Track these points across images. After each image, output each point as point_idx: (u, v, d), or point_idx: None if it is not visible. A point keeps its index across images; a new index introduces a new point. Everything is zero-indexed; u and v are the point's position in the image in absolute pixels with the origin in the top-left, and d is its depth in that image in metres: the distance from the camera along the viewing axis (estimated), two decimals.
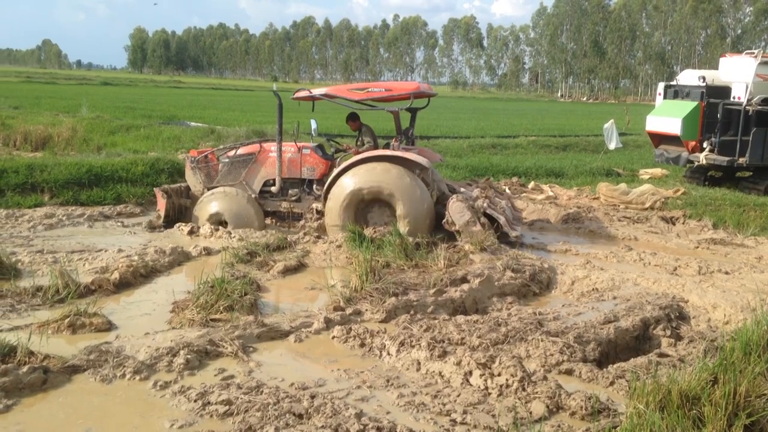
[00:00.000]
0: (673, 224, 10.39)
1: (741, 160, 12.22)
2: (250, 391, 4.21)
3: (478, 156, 17.12)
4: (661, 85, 14.31)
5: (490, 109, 47.25)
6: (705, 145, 12.72)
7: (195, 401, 4.08)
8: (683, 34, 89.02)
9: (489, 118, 34.41)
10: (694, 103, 12.78)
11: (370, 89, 8.76)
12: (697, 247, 8.91)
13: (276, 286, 6.85)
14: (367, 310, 5.87)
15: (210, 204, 8.99)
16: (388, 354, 4.92)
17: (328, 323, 5.48)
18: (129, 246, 7.87)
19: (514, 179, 13.64)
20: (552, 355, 4.84)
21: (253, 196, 9.10)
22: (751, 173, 12.98)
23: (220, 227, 8.80)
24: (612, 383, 4.51)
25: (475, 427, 3.89)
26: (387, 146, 8.99)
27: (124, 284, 6.43)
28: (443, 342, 5.04)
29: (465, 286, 6.37)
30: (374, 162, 8.43)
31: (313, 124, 8.95)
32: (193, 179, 9.47)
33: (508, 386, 4.30)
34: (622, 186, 12.01)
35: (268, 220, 9.31)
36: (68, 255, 7.32)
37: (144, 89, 58.47)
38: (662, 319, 5.69)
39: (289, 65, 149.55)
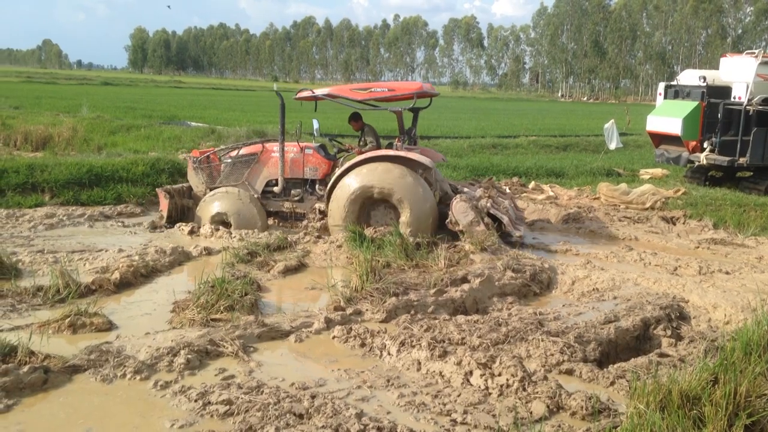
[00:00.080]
0: (674, 224, 10.39)
1: (741, 160, 12.22)
2: (250, 391, 4.21)
3: (478, 156, 17.12)
4: (661, 85, 14.31)
5: (491, 109, 47.28)
6: (705, 145, 12.71)
7: (195, 401, 4.08)
8: (684, 34, 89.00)
9: (489, 118, 34.43)
10: (695, 103, 12.78)
11: (373, 89, 8.76)
12: (698, 247, 8.91)
13: (276, 286, 6.85)
14: (367, 310, 5.87)
15: (213, 204, 8.99)
16: (389, 354, 4.92)
17: (329, 323, 5.48)
18: (129, 246, 7.87)
19: (515, 179, 13.64)
20: (552, 355, 4.84)
21: (255, 196, 9.10)
22: (752, 173, 12.98)
23: (221, 227, 8.80)
24: (612, 383, 4.51)
25: (475, 427, 3.89)
26: (390, 146, 8.99)
27: (124, 284, 6.43)
28: (444, 342, 5.04)
29: (465, 286, 6.37)
30: (377, 162, 8.43)
31: (315, 124, 8.96)
32: (195, 179, 9.47)
33: (508, 386, 4.30)
34: (623, 186, 12.01)
35: (270, 221, 9.31)
36: (69, 255, 7.32)
37: (144, 89, 58.50)
38: (663, 319, 5.69)
39: (290, 65, 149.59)
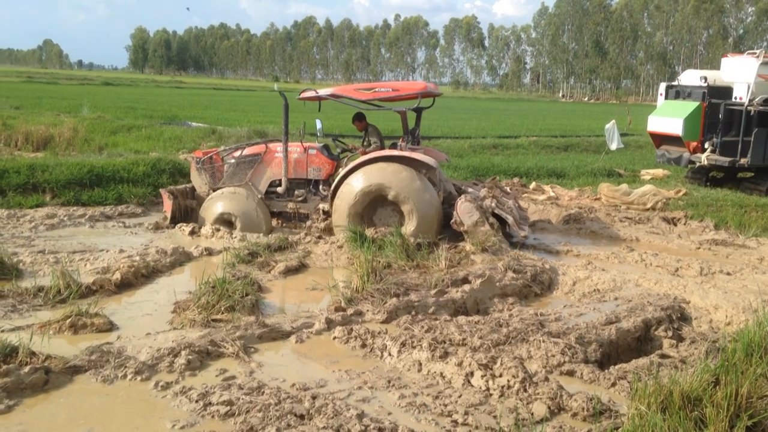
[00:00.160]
0: (675, 225, 10.39)
1: (742, 161, 12.22)
2: (251, 391, 4.22)
3: (479, 156, 17.12)
4: (662, 86, 14.31)
5: (492, 110, 47.31)
6: (706, 145, 12.71)
7: (196, 402, 4.08)
8: (685, 34, 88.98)
9: (490, 119, 34.46)
10: (696, 104, 12.77)
11: (377, 89, 8.75)
12: (699, 248, 8.90)
13: (277, 287, 6.85)
14: (368, 310, 5.87)
15: (217, 204, 8.99)
16: (390, 355, 4.91)
17: (330, 324, 5.48)
18: (130, 246, 7.88)
19: (516, 179, 13.63)
20: (553, 356, 4.84)
21: (259, 196, 9.10)
22: (753, 174, 12.98)
23: (223, 227, 8.79)
24: (613, 384, 4.51)
25: (476, 428, 3.89)
26: (393, 146, 8.98)
27: (125, 284, 6.43)
28: (444, 343, 5.04)
29: (466, 287, 6.37)
30: (381, 162, 8.42)
31: (319, 124, 8.94)
32: (198, 180, 9.46)
33: (509, 387, 4.30)
34: (624, 186, 11.99)
35: (274, 221, 9.30)
36: (70, 255, 7.32)
37: (145, 89, 58.56)
38: (664, 320, 5.69)
39: (291, 65, 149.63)
